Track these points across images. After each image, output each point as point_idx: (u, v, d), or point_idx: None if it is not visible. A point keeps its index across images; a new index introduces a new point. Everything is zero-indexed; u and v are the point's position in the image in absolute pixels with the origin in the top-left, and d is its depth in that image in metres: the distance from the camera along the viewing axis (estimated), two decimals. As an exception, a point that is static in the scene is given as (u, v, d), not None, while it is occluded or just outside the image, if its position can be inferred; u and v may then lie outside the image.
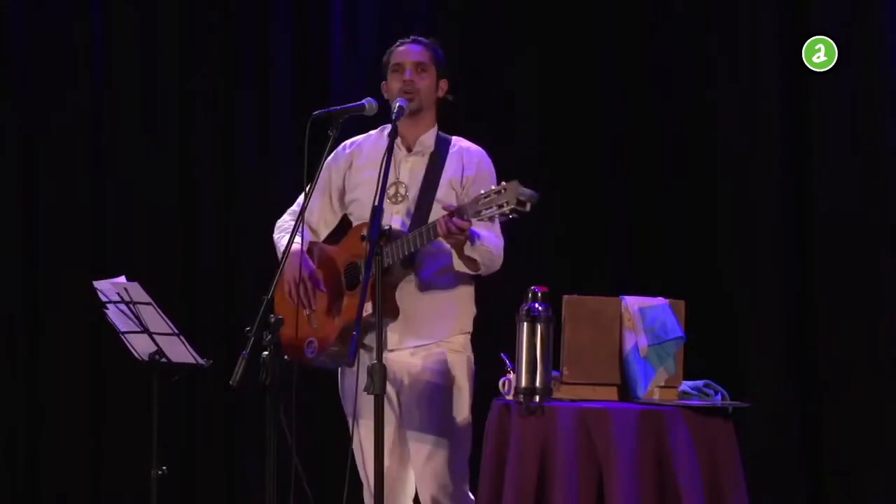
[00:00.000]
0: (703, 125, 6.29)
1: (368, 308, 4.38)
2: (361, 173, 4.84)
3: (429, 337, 4.73)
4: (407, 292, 4.68)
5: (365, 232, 4.33)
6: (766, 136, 6.12)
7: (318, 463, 6.31)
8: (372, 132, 4.92)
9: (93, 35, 6.86)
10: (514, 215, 4.27)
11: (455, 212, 4.41)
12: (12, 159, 6.84)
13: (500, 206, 4.27)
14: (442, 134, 4.86)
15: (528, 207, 4.25)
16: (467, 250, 4.55)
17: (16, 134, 6.84)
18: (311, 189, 4.54)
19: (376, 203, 4.31)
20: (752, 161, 6.15)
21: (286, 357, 4.42)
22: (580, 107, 6.46)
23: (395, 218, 4.70)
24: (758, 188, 6.14)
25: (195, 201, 6.86)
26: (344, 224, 4.95)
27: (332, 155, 4.87)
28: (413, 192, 4.74)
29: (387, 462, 4.66)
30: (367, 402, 4.42)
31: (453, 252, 4.59)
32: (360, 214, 4.79)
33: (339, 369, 4.83)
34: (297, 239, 4.69)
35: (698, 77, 6.30)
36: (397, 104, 4.65)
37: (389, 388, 4.71)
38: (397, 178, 4.76)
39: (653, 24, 6.39)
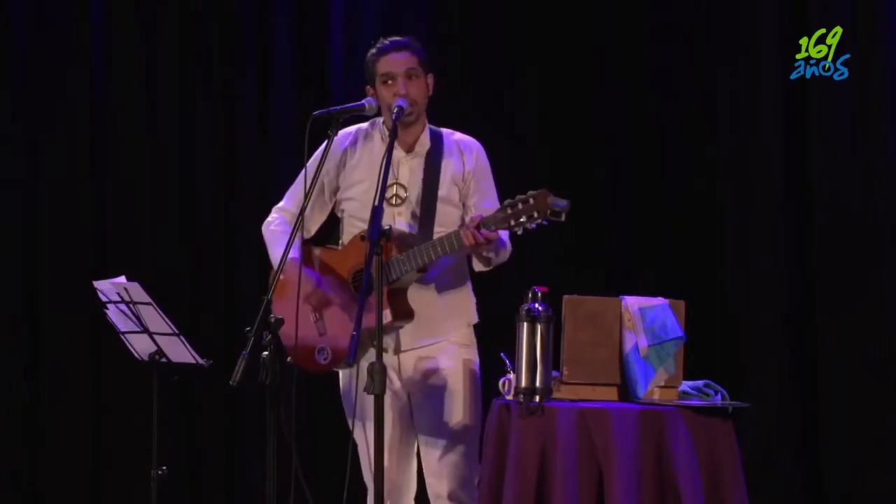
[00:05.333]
0: (703, 125, 6.29)
1: (388, 315, 4.39)
2: (355, 173, 4.79)
3: (439, 335, 4.72)
4: (415, 293, 4.65)
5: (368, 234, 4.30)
6: (766, 136, 6.12)
7: (319, 463, 6.32)
8: (362, 125, 4.85)
9: (93, 35, 6.86)
10: (545, 224, 4.25)
11: (482, 223, 4.38)
12: (12, 158, 6.83)
13: (531, 217, 4.24)
14: (433, 128, 4.81)
15: (563, 217, 4.23)
16: (486, 252, 4.55)
17: (16, 133, 6.83)
18: (311, 190, 4.54)
19: (376, 203, 4.31)
20: (752, 161, 6.15)
21: (290, 360, 4.43)
22: (580, 108, 6.46)
23: (399, 221, 4.67)
24: (758, 188, 6.13)
25: (195, 201, 6.85)
26: (333, 222, 4.91)
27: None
28: (414, 194, 4.70)
29: (387, 462, 4.61)
30: (368, 404, 4.38)
31: (473, 257, 4.60)
32: (357, 214, 4.74)
33: (340, 371, 4.82)
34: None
35: (698, 77, 6.30)
36: (396, 104, 4.61)
37: (401, 389, 4.73)
38: (396, 180, 4.73)
39: (653, 25, 6.39)
